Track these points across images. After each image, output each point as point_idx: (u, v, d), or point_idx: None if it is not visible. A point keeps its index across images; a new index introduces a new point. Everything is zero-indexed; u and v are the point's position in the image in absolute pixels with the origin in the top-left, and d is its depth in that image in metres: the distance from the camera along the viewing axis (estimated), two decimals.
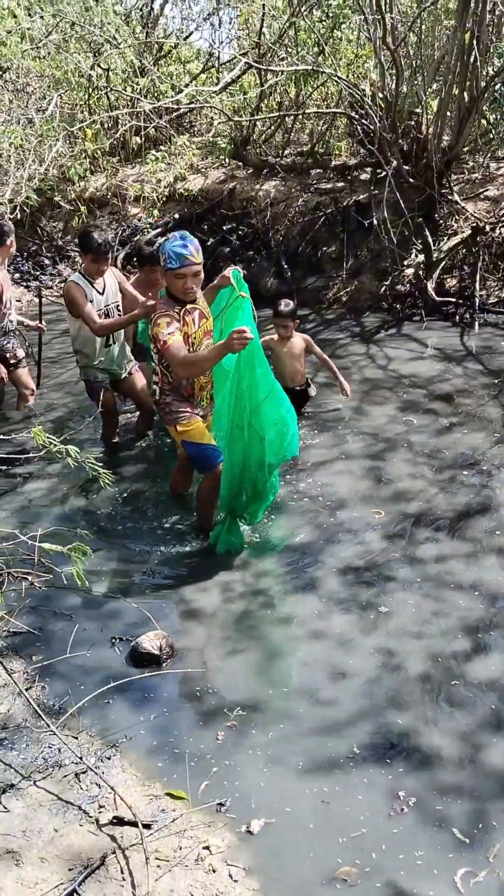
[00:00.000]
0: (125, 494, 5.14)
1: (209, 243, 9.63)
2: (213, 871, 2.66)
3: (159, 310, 4.09)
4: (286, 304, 5.95)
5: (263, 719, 3.26)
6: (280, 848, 2.72)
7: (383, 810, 2.81)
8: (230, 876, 2.64)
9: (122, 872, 2.64)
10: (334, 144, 10.17)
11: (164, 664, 3.55)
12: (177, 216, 10.15)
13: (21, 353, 6.38)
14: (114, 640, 3.78)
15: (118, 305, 5.36)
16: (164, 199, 10.19)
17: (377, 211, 8.41)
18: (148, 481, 5.31)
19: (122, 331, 5.40)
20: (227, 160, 10.57)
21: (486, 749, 3.05)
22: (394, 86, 8.17)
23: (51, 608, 4.04)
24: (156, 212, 10.11)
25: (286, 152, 10.47)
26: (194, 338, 4.15)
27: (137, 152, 10.98)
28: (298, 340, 6.01)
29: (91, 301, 5.11)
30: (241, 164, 10.39)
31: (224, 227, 9.67)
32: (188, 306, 4.13)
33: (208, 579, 4.21)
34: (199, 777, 3.01)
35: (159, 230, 10.03)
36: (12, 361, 6.28)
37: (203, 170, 10.63)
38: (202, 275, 4.07)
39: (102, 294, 5.21)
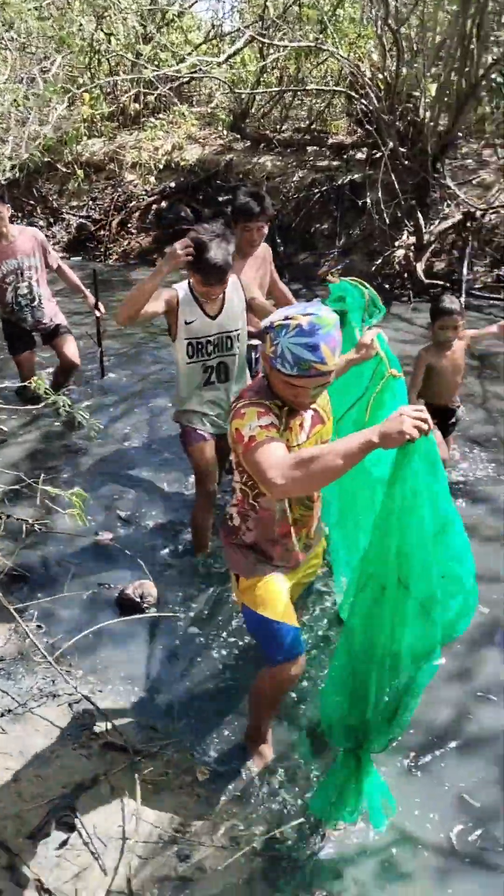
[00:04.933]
0: (131, 453, 5.32)
1: (204, 213, 9.71)
2: (197, 797, 2.87)
3: (248, 397, 2.52)
4: (451, 301, 4.40)
5: (244, 664, 3.46)
6: (253, 781, 2.94)
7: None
8: (209, 802, 2.86)
9: (111, 792, 2.85)
10: (331, 123, 10.28)
11: (146, 611, 3.75)
12: (173, 185, 10.23)
13: (60, 319, 5.69)
14: (103, 585, 3.98)
15: (239, 335, 3.84)
16: (161, 167, 10.25)
17: (371, 191, 8.56)
18: (155, 444, 5.47)
19: (236, 367, 3.89)
20: (225, 132, 10.65)
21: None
22: (394, 67, 8.29)
23: (47, 553, 4.24)
24: (152, 179, 10.18)
25: (283, 128, 10.56)
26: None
27: (136, 119, 11.02)
28: (462, 346, 4.53)
29: (189, 323, 3.71)
30: (238, 136, 10.47)
31: (220, 199, 9.76)
32: None
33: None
34: (184, 712, 3.22)
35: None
36: (50, 328, 5.65)
37: (201, 140, 10.70)
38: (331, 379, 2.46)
39: (214, 319, 3.75)
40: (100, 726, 3.12)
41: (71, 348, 5.68)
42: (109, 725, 3.06)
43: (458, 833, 2.72)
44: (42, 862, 2.61)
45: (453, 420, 4.75)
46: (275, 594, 2.71)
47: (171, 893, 2.52)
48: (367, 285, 3.20)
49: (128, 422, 5.68)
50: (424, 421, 2.06)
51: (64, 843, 2.67)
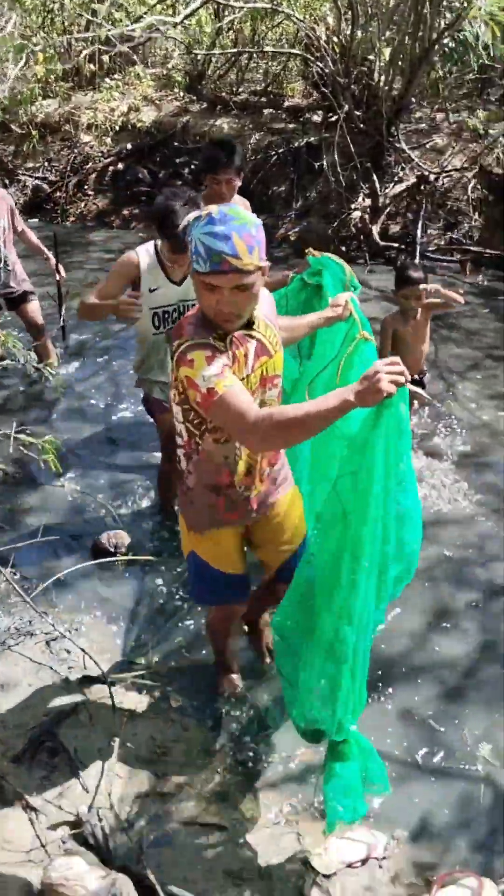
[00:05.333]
0: (98, 411, 5.41)
1: (161, 175, 9.75)
2: (172, 722, 3.06)
3: (188, 333, 2.33)
4: (415, 269, 4.38)
5: None
6: (224, 706, 3.13)
7: None
8: (184, 726, 3.04)
9: (91, 720, 3.02)
10: (287, 86, 10.32)
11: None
12: (129, 146, 10.20)
13: (27, 285, 5.55)
14: (76, 536, 4.11)
15: None
16: (117, 128, 10.21)
17: (327, 154, 8.65)
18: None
19: None
20: (181, 94, 10.62)
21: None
22: (349, 31, 8.36)
23: (19, 503, 4.37)
24: (108, 140, 10.14)
25: (240, 90, 10.56)
26: (245, 385, 2.35)
27: (91, 80, 10.93)
28: (426, 314, 4.54)
29: (154, 291, 3.56)
30: (195, 98, 10.46)
31: (177, 161, 9.77)
32: (238, 333, 2.37)
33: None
34: (158, 647, 3.40)
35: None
36: (16, 294, 5.49)
37: (157, 102, 10.66)
38: (258, 287, 2.27)
39: (179, 285, 3.60)
40: (77, 661, 3.27)
41: (34, 309, 5.63)
42: (87, 659, 3.22)
43: (422, 752, 2.96)
44: (26, 783, 2.77)
45: (420, 387, 4.80)
46: (223, 547, 2.71)
47: (149, 808, 2.71)
48: (343, 262, 3.06)
49: (94, 381, 5.77)
50: (401, 373, 1.98)
51: (47, 765, 2.84)
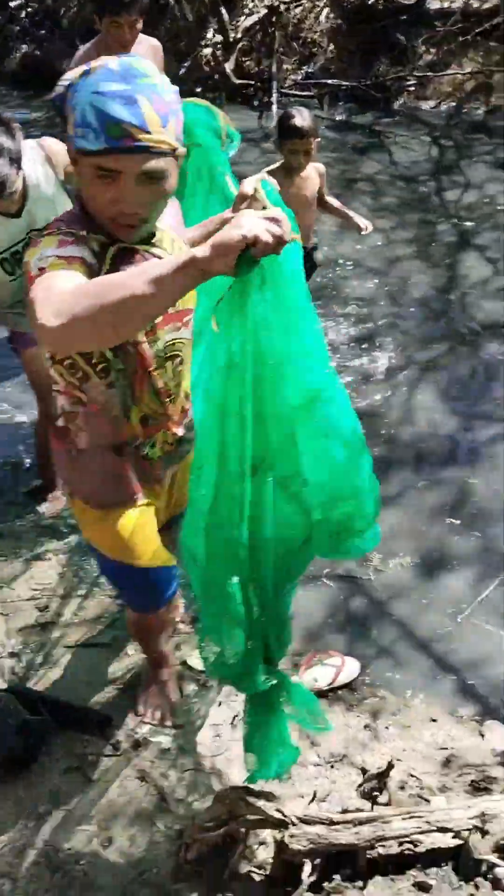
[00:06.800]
0: None
1: None
2: (49, 561, 3.16)
3: (55, 226, 1.66)
4: (303, 118, 3.53)
5: None
6: None
7: None
8: (61, 566, 3.14)
9: None
10: None
11: None
12: None
13: None
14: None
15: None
16: None
17: None
18: None
19: None
20: None
21: None
22: None
23: None
24: None
25: None
26: None
27: None
28: (314, 174, 3.83)
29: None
30: None
31: (10, 3, 9.06)
32: (137, 245, 1.71)
33: None
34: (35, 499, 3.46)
35: None
36: None
37: None
38: (173, 180, 1.64)
39: (19, 216, 2.78)
40: None
41: None
42: None
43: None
44: None
45: (309, 264, 4.03)
46: (135, 531, 1.99)
47: (34, 638, 2.81)
48: (214, 106, 2.52)
49: None
50: (276, 221, 1.34)
51: None
